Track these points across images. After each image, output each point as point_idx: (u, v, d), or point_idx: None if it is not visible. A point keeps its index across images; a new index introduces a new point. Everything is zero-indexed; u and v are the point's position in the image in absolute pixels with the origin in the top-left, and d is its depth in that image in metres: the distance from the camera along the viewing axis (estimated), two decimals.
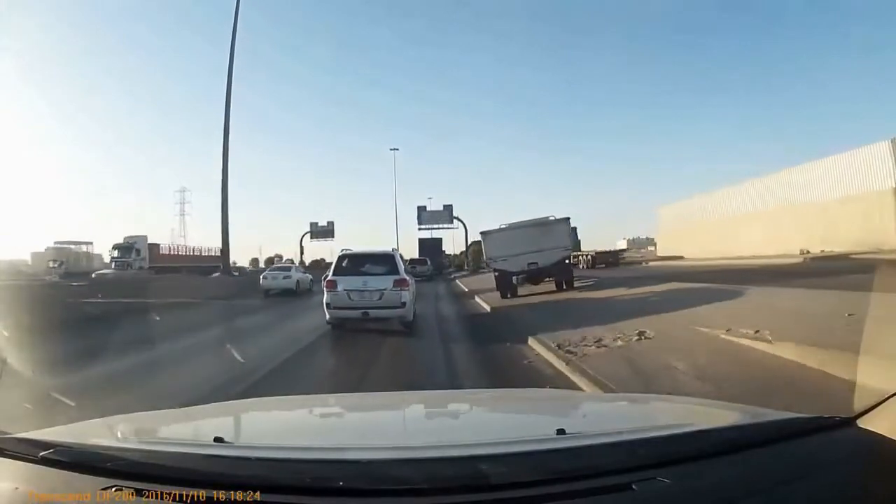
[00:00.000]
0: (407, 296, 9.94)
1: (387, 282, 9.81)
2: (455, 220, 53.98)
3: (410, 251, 45.79)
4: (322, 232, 56.82)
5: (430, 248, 44.66)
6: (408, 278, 10.46)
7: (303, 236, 57.77)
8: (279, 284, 21.72)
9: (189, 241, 66.99)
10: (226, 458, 1.15)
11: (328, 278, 10.17)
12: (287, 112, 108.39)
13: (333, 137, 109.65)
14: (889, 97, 60.43)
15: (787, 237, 27.92)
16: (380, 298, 9.69)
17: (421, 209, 53.66)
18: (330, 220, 57.59)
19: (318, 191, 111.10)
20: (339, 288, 9.83)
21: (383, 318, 9.84)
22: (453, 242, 68.43)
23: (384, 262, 10.37)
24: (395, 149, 56.82)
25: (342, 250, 10.98)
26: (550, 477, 1.03)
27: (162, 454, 1.18)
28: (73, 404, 3.80)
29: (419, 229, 53.14)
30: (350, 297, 9.74)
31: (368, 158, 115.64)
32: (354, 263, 10.37)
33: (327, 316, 10.01)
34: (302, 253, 57.80)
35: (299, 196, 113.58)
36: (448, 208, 53.83)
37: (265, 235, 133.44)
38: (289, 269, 24.15)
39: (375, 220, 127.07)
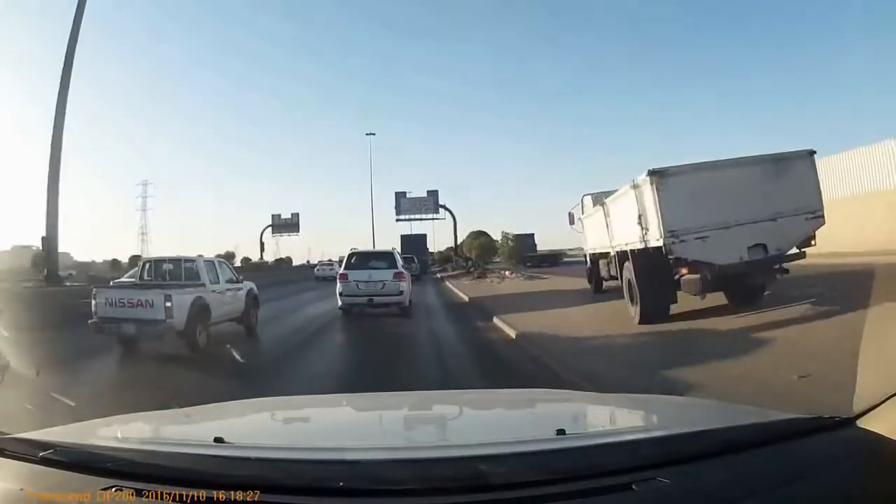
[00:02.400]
0: (404, 286, 12.46)
1: (388, 274, 12.34)
2: (442, 210, 47.19)
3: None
4: (286, 225, 50.63)
5: (414, 244, 40.23)
6: (405, 272, 13.03)
7: (263, 230, 51.32)
8: (326, 274, 33.90)
9: (153, 238, 62.48)
10: (226, 458, 1.15)
11: (340, 272, 12.78)
12: (249, 95, 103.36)
13: (301, 126, 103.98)
14: None
15: None
16: (382, 288, 12.14)
17: (400, 196, 47.15)
18: (294, 211, 51.54)
19: (281, 182, 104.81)
20: (350, 279, 12.31)
21: (385, 304, 12.12)
22: (434, 239, 62.00)
23: (386, 258, 12.95)
24: (371, 133, 52.93)
25: (351, 249, 13.67)
26: (550, 477, 1.03)
27: (162, 454, 1.18)
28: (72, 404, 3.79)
29: (397, 220, 47.19)
30: (358, 287, 12.20)
31: (341, 149, 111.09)
32: (361, 260, 12.91)
33: (339, 302, 12.32)
34: (262, 250, 51.19)
35: (262, 187, 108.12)
36: (433, 195, 47.28)
37: (225, 230, 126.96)
38: (332, 264, 35.92)
39: (348, 214, 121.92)
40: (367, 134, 51.45)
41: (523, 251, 39.12)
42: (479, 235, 40.97)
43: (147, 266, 9.86)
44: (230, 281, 9.84)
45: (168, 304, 7.64)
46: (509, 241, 37.98)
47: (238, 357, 6.99)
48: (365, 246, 17.77)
